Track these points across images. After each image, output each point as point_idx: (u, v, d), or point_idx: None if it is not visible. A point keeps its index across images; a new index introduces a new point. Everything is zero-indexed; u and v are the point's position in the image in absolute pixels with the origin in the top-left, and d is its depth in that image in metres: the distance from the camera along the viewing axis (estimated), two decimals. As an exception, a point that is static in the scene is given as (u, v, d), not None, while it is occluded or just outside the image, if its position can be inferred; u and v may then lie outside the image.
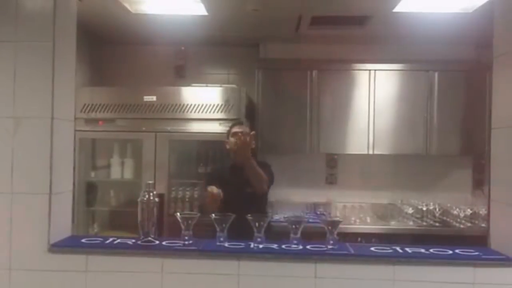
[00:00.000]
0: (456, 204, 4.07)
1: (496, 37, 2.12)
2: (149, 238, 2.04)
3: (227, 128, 3.74)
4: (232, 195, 2.96)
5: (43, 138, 1.99)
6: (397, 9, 3.31)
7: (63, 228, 2.13)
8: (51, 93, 2.00)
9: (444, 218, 4.05)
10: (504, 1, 2.06)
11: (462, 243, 2.92)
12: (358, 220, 4.01)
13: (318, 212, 4.20)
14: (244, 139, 2.92)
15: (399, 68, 4.15)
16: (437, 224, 3.93)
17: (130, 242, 2.04)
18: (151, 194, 2.05)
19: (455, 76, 4.13)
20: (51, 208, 2.00)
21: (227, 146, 3.22)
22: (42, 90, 2.00)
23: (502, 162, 2.04)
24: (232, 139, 3.13)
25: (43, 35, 2.00)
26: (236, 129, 3.16)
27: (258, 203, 3.04)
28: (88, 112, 3.87)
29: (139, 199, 2.04)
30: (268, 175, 3.12)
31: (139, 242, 2.03)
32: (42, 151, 1.99)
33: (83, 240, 2.08)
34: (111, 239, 2.09)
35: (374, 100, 4.11)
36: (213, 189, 2.85)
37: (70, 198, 2.19)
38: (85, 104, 3.86)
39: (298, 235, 2.04)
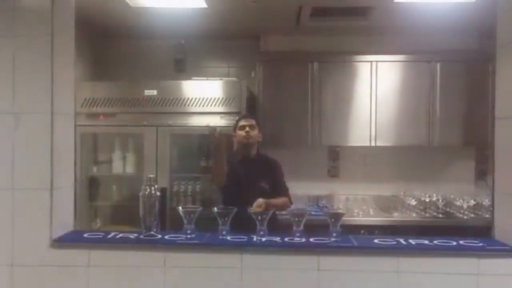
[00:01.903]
0: (459, 195, 4.05)
1: (499, 26, 2.09)
2: (151, 232, 2.03)
3: (229, 121, 3.76)
4: (244, 189, 2.97)
5: (43, 133, 1.99)
6: (399, -1, 3.28)
7: (65, 223, 2.13)
8: (50, 88, 1.99)
9: (448, 209, 4.03)
10: (508, -11, 2.03)
11: (466, 234, 2.93)
12: (361, 213, 4.00)
13: (321, 205, 4.19)
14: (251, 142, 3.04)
15: (401, 59, 4.12)
16: (440, 215, 3.91)
17: (132, 236, 2.04)
18: (153, 188, 2.05)
19: (458, 67, 4.09)
20: (52, 203, 1.99)
21: (234, 139, 3.21)
22: (42, 85, 1.99)
23: (506, 152, 2.02)
24: (239, 133, 3.12)
25: (42, 29, 1.99)
26: (243, 122, 3.15)
27: (270, 196, 3.02)
28: (89, 106, 3.85)
29: (140, 193, 2.04)
30: (279, 177, 3.16)
31: (141, 237, 2.02)
32: (42, 146, 1.99)
33: (85, 235, 2.08)
34: (113, 234, 2.08)
35: (376, 91, 4.08)
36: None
37: (72, 193, 2.19)
38: (86, 99, 3.84)
39: (301, 227, 2.04)
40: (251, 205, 2.03)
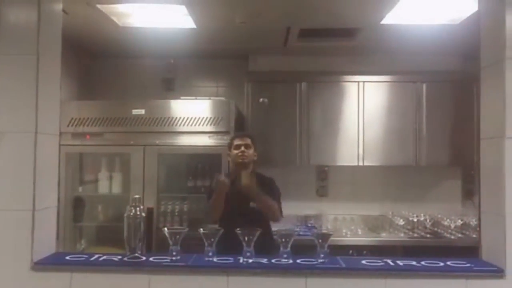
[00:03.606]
0: (447, 215, 4.06)
1: (483, 48, 2.13)
2: (136, 254, 1.99)
3: (217, 141, 3.75)
4: (237, 210, 2.94)
5: (26, 153, 1.95)
6: (385, 21, 3.34)
7: (47, 245, 2.08)
8: (35, 107, 1.97)
9: (435, 229, 4.03)
10: (489, 13, 2.08)
11: (454, 254, 2.92)
12: (349, 232, 3.98)
13: (309, 225, 4.17)
14: (246, 162, 3.03)
15: (387, 80, 4.17)
16: (428, 235, 3.91)
17: (116, 258, 2.00)
18: (138, 209, 2.01)
19: (443, 87, 4.15)
20: (34, 224, 1.95)
21: (229, 159, 3.19)
22: (26, 104, 1.97)
23: (491, 173, 2.03)
24: (234, 152, 3.10)
25: (27, 48, 1.98)
26: (238, 142, 3.12)
27: (264, 216, 3.00)
28: (76, 126, 3.82)
29: (125, 215, 2.00)
30: (275, 192, 3.13)
31: (125, 259, 1.98)
32: (25, 166, 1.95)
33: (67, 257, 2.03)
34: (96, 256, 2.03)
35: (363, 111, 4.11)
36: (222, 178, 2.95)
37: (55, 214, 2.15)
38: (72, 118, 3.81)
39: (288, 249, 2.01)
40: (245, 226, 2.01)
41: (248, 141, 3.13)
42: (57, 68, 2.16)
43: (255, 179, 2.96)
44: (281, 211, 3.09)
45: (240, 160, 3.06)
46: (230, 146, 3.17)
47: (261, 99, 2.94)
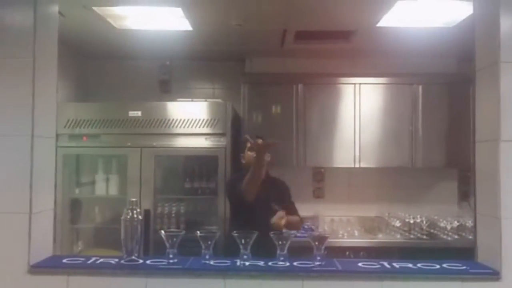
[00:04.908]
0: (443, 217, 4.08)
1: (477, 50, 2.14)
2: (133, 257, 1.99)
3: (214, 143, 3.75)
4: (257, 211, 2.93)
5: (22, 156, 1.95)
6: (381, 23, 3.35)
7: (44, 248, 2.08)
8: (31, 110, 1.96)
9: (431, 230, 4.05)
10: (484, 16, 2.09)
11: (450, 255, 2.92)
12: (346, 234, 3.99)
13: (306, 226, 4.17)
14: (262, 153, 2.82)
15: (383, 82, 4.18)
16: (424, 236, 3.92)
17: (113, 261, 1.99)
18: (135, 211, 2.01)
19: (439, 89, 4.17)
20: (31, 227, 1.94)
21: (243, 161, 3.19)
22: (22, 107, 1.96)
23: (486, 175, 2.04)
24: (249, 153, 3.10)
25: (23, 51, 1.97)
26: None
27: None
28: (72, 127, 3.81)
29: (122, 217, 2.00)
30: (292, 202, 3.23)
31: (122, 262, 1.98)
32: (21, 169, 1.94)
33: (64, 260, 2.03)
34: (93, 259, 2.03)
35: (359, 113, 4.13)
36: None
37: (51, 216, 2.14)
38: (69, 120, 3.80)
39: (285, 251, 2.01)
40: (264, 227, 1.99)
41: (260, 141, 3.13)
42: (53, 70, 2.15)
43: (285, 218, 2.98)
44: (301, 220, 3.22)
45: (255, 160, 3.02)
46: (244, 147, 3.18)
47: (245, 136, 2.98)
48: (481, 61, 2.12)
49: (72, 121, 3.81)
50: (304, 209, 4.26)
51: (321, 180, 4.43)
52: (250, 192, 2.90)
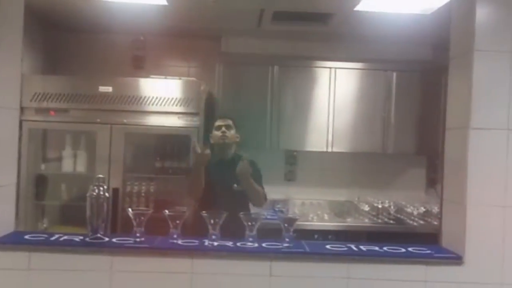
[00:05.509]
0: (410, 202, 4.16)
1: (452, 39, 2.16)
2: (98, 235, 1.95)
3: (186, 122, 3.69)
4: (221, 191, 2.92)
5: (-17, 128, 1.86)
6: (359, 7, 3.33)
7: (6, 223, 2.01)
8: (-7, 80, 1.87)
9: (399, 215, 4.13)
10: (461, 5, 2.10)
11: (416, 240, 2.99)
12: (315, 217, 4.03)
13: (277, 209, 4.19)
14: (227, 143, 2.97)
15: (358, 67, 4.18)
16: (391, 221, 4.00)
17: (77, 239, 1.95)
18: (101, 188, 1.96)
19: (413, 77, 4.20)
20: (-9, 202, 1.87)
21: (211, 140, 3.15)
22: (-16, 76, 1.87)
23: (454, 163, 2.07)
24: (215, 133, 3.06)
25: (-14, 17, 1.87)
26: (219, 122, 3.11)
27: (246, 198, 3.01)
28: (39, 101, 3.67)
29: (87, 194, 1.95)
30: (259, 177, 3.12)
31: (87, 239, 1.94)
32: (-18, 141, 1.86)
33: (26, 237, 1.97)
34: (57, 236, 1.98)
35: (334, 98, 4.13)
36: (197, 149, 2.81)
37: (14, 191, 2.07)
38: (36, 93, 3.66)
39: (254, 232, 2.01)
40: (231, 208, 1.98)
41: (230, 122, 3.12)
42: (18, 40, 2.06)
43: (248, 166, 2.92)
44: (265, 197, 3.12)
45: (221, 141, 3.04)
46: (211, 129, 3.14)
47: (193, 140, 2.99)
48: (455, 49, 2.13)
49: (39, 95, 3.67)
50: (276, 192, 4.30)
51: (293, 163, 4.44)
52: (192, 193, 2.98)
